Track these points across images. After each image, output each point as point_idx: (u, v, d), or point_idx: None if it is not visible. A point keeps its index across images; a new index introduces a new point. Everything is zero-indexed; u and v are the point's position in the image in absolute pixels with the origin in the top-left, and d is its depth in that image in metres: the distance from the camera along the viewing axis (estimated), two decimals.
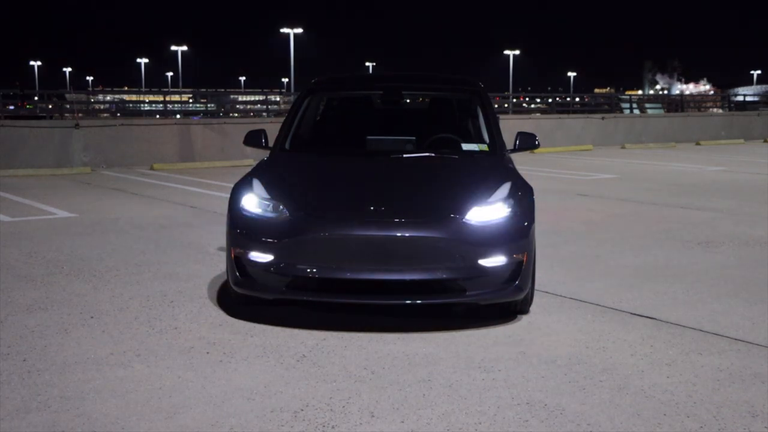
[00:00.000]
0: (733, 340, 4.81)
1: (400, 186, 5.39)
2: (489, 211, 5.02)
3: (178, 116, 23.95)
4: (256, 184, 5.31)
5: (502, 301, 5.03)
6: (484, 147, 6.24)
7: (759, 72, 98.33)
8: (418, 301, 4.87)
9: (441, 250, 4.83)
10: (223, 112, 29.55)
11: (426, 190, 5.32)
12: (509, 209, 5.08)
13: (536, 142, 6.36)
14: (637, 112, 31.88)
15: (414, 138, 6.30)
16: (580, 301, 5.70)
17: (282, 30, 62.48)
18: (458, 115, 6.89)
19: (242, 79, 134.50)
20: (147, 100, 38.44)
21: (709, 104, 39.59)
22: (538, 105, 42.39)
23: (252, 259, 4.98)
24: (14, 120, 18.75)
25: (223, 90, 59.04)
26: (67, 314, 5.32)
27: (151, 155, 17.36)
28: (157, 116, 23.50)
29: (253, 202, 5.19)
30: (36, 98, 31.67)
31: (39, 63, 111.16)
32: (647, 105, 38.30)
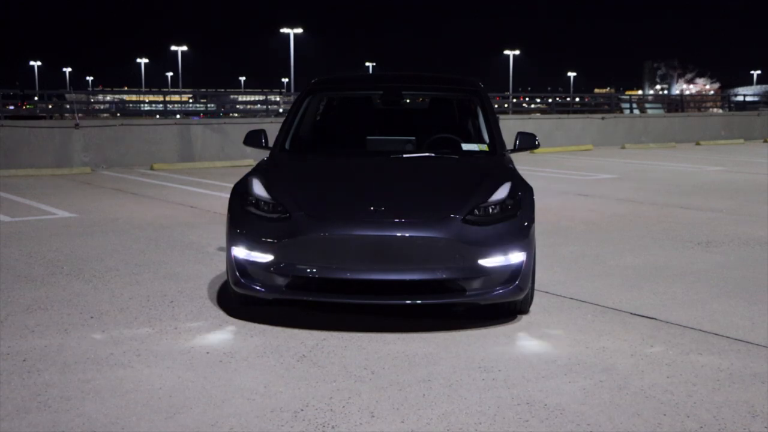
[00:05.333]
0: (733, 340, 4.81)
1: (400, 186, 5.39)
2: (489, 211, 5.02)
3: (178, 116, 23.96)
4: (256, 184, 5.31)
5: (502, 301, 5.03)
6: (484, 147, 6.24)
7: (759, 72, 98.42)
8: (418, 301, 4.87)
9: (441, 250, 4.83)
10: (223, 112, 29.55)
11: (426, 190, 5.32)
12: (509, 209, 5.08)
13: (536, 142, 6.36)
14: (637, 112, 31.90)
15: (414, 138, 6.31)
16: (580, 301, 5.70)
17: (282, 30, 62.51)
18: (458, 115, 6.89)
19: (242, 79, 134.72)
20: (147, 100, 38.49)
21: (709, 104, 39.60)
22: (538, 105, 42.40)
23: (252, 259, 4.98)
24: (14, 120, 18.76)
25: (223, 90, 59.16)
26: (67, 314, 5.32)
27: (151, 155, 17.37)
28: (157, 116, 23.50)
29: (253, 202, 5.19)
30: (36, 98, 31.66)
31: (39, 63, 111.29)
32: (647, 105, 38.32)
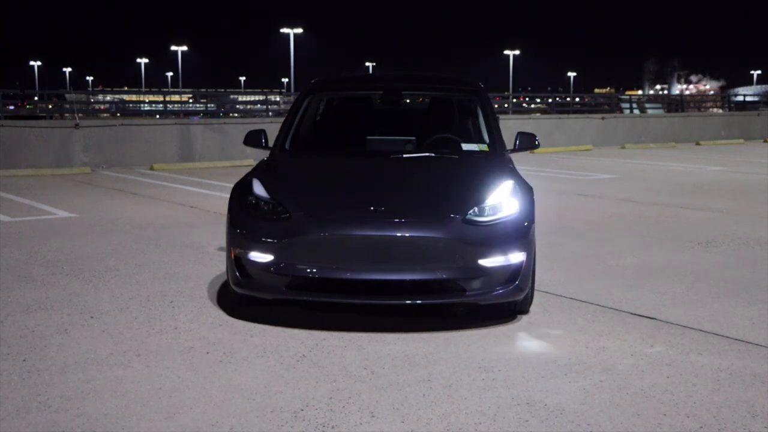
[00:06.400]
0: (733, 340, 4.81)
1: (400, 186, 5.39)
2: (489, 211, 5.02)
3: (178, 116, 23.95)
4: (256, 184, 5.31)
5: (502, 301, 5.03)
6: (484, 147, 6.23)
7: (759, 72, 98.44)
8: (418, 301, 4.87)
9: (441, 250, 4.83)
10: (223, 112, 29.55)
11: (426, 190, 5.32)
12: (509, 209, 5.08)
13: (536, 142, 6.35)
14: (637, 112, 31.89)
15: (414, 138, 6.30)
16: (580, 301, 5.70)
17: (282, 30, 62.51)
18: (458, 115, 6.88)
19: (242, 79, 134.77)
20: (147, 100, 38.48)
21: (709, 104, 39.61)
22: (538, 105, 42.40)
23: (252, 259, 4.98)
24: (14, 120, 18.75)
25: (223, 90, 59.12)
26: (67, 314, 5.32)
27: (151, 155, 17.37)
28: (157, 116, 23.49)
29: (253, 202, 5.19)
30: (36, 98, 31.68)
31: (39, 63, 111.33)
32: (647, 105, 38.32)
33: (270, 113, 23.63)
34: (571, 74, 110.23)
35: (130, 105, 36.27)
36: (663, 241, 8.07)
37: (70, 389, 3.97)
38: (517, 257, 4.94)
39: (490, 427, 3.56)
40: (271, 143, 6.29)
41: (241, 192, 5.35)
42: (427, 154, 6.00)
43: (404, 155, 5.99)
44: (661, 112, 34.48)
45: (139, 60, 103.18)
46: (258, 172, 5.62)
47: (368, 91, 7.07)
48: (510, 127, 17.69)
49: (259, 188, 5.26)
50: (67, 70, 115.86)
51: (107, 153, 17.00)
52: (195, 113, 30.95)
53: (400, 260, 4.80)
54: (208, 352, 4.55)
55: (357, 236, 4.81)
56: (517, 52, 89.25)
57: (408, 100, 7.38)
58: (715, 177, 15.02)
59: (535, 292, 5.53)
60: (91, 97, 39.63)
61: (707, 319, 5.24)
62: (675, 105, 35.84)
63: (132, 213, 10.08)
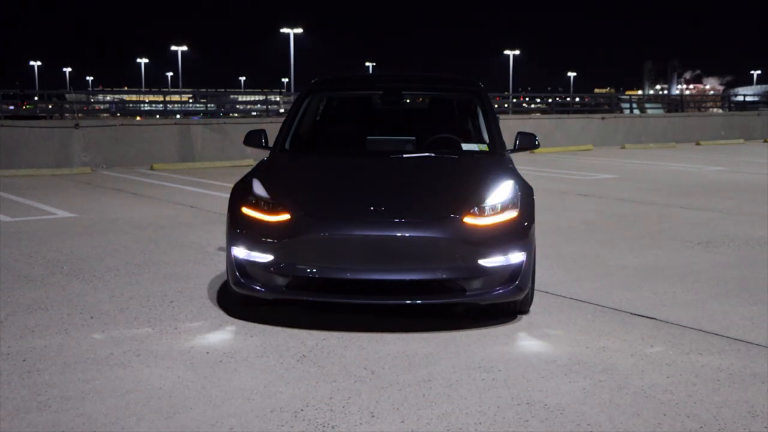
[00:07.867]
0: (733, 340, 4.81)
1: (400, 186, 5.39)
2: (489, 211, 5.02)
3: (178, 116, 23.95)
4: (256, 184, 5.31)
5: (502, 301, 5.03)
6: (484, 147, 6.24)
7: (759, 72, 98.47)
8: (418, 301, 4.87)
9: (441, 250, 4.83)
10: (223, 112, 29.56)
11: (426, 190, 5.32)
12: (509, 209, 5.08)
13: (536, 142, 6.35)
14: (637, 112, 31.89)
15: (414, 138, 6.30)
16: (580, 301, 5.70)
17: (282, 30, 62.52)
18: (458, 115, 6.89)
19: (242, 79, 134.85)
20: (147, 100, 38.45)
21: (709, 104, 39.61)
22: (538, 105, 42.40)
23: (252, 259, 4.98)
24: (14, 120, 18.76)
25: (223, 90, 59.13)
26: (67, 314, 5.32)
27: (151, 155, 17.37)
28: (157, 116, 23.49)
29: (253, 202, 5.19)
30: (36, 98, 31.67)
31: (39, 63, 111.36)
32: (647, 105, 38.34)
33: (271, 113, 23.63)
34: (571, 74, 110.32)
35: (130, 105, 36.24)
36: (663, 241, 8.07)
37: (70, 389, 3.97)
38: (517, 257, 4.94)
39: (490, 427, 3.56)
40: (271, 143, 6.29)
41: (241, 192, 5.35)
42: (427, 154, 6.00)
43: (404, 155, 5.99)
44: (661, 112, 34.48)
45: (139, 60, 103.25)
46: (258, 172, 5.62)
47: (368, 91, 7.07)
48: (510, 127, 17.69)
49: (259, 188, 5.26)
50: (67, 70, 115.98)
51: (107, 153, 17.00)
52: (195, 113, 30.96)
53: (400, 260, 4.80)
54: (208, 352, 4.55)
55: (357, 236, 4.81)
56: (517, 52, 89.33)
57: (408, 100, 7.39)
58: (715, 177, 15.02)
59: (535, 292, 5.53)
60: (91, 97, 39.69)
61: (707, 319, 5.24)
62: (675, 105, 35.86)
63: (132, 213, 10.08)
